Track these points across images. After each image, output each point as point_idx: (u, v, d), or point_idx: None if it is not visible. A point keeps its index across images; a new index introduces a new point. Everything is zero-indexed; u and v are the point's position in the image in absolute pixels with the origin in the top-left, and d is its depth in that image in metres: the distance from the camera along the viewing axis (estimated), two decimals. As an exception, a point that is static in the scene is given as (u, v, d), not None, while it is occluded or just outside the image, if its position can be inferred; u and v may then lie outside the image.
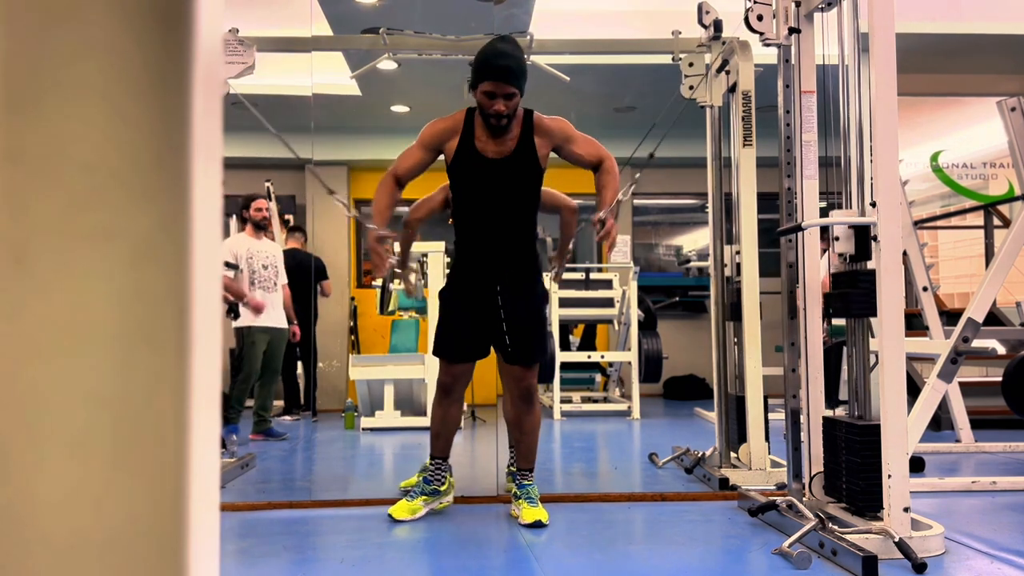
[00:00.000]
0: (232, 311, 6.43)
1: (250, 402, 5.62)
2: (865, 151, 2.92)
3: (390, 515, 3.20)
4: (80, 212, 0.43)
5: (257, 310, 5.31)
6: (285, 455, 5.05)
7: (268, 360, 5.49)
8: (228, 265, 5.33)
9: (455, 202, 3.25)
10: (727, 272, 4.08)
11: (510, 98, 3.01)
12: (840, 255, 2.96)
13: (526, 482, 3.24)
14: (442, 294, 3.33)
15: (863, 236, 2.88)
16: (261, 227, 5.45)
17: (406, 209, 3.76)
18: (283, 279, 5.60)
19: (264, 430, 5.51)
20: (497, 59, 2.99)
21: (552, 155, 3.21)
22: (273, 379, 5.55)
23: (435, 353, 3.27)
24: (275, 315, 5.45)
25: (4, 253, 0.42)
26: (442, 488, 3.32)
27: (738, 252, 3.91)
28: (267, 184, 6.63)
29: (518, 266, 3.19)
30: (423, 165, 3.18)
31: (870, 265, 2.83)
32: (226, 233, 6.96)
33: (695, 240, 9.15)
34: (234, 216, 7.18)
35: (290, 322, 5.73)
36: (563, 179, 3.85)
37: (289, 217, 7.82)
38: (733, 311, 4.00)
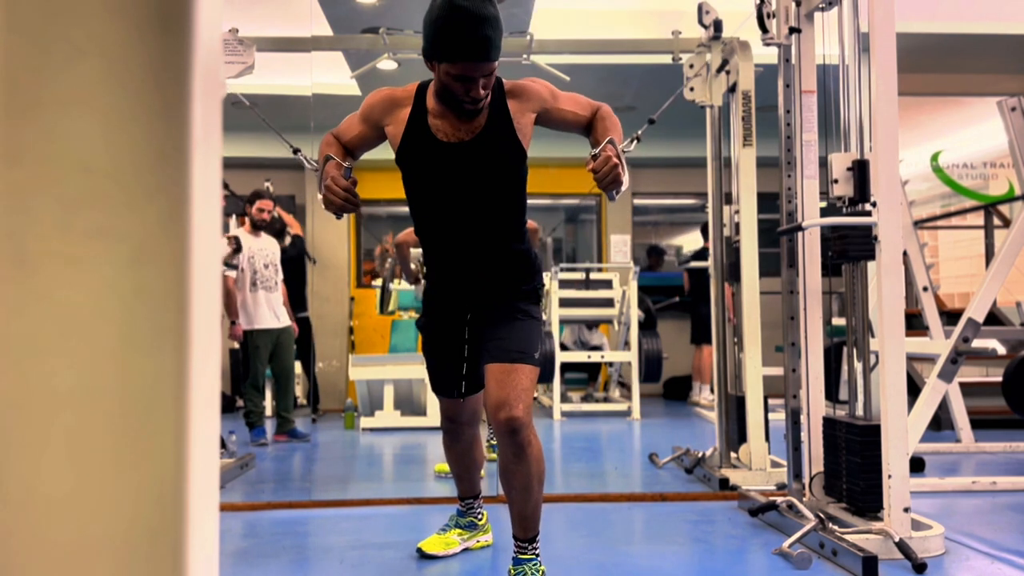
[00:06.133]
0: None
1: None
2: (865, 151, 2.92)
3: (420, 550, 2.73)
4: (80, 212, 0.43)
5: (234, 337, 5.31)
6: (285, 455, 5.05)
7: (278, 361, 5.49)
8: (228, 265, 5.32)
9: (409, 204, 2.41)
10: (726, 232, 4.08)
11: (490, 76, 2.15)
12: (839, 198, 2.95)
13: (523, 556, 2.37)
14: (417, 324, 2.65)
15: (862, 176, 2.87)
16: (259, 227, 5.43)
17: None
18: (280, 275, 5.59)
19: (288, 430, 5.51)
20: (472, 27, 2.04)
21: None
22: (289, 378, 5.55)
23: (431, 389, 2.66)
24: (277, 315, 5.44)
25: (5, 253, 0.42)
26: (480, 522, 2.86)
27: (737, 212, 3.91)
28: (267, 184, 6.63)
29: (500, 287, 2.38)
30: (363, 140, 2.39)
31: (868, 207, 2.82)
32: (225, 232, 6.96)
33: (696, 240, 9.15)
34: (234, 215, 7.18)
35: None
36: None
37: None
38: (732, 271, 4.00)
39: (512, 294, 2.38)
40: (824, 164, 3.10)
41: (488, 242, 2.35)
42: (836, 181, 2.90)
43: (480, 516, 2.87)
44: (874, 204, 2.72)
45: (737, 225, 3.91)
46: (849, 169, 2.90)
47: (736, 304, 4.01)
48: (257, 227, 5.42)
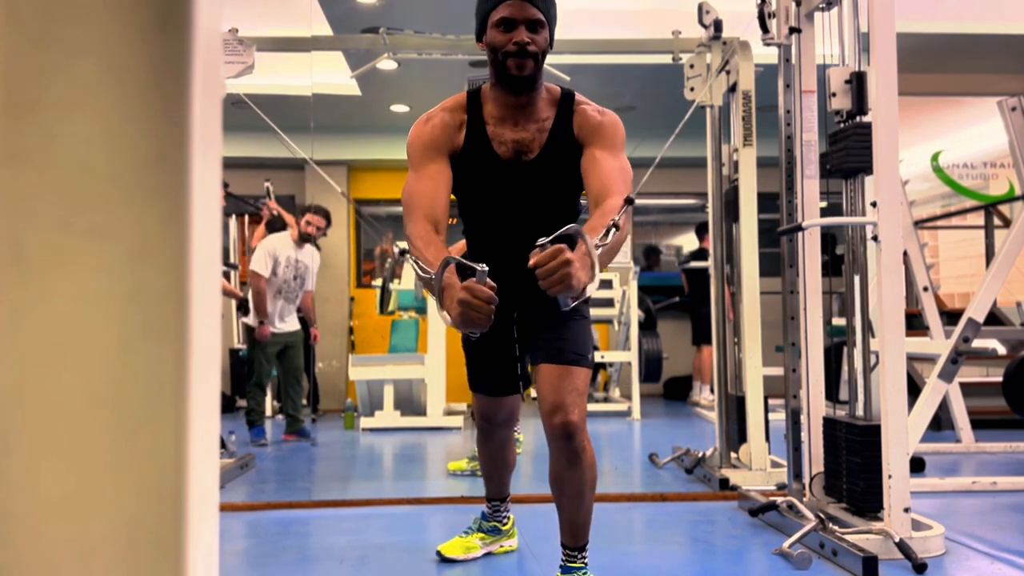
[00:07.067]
0: (242, 307, 6.46)
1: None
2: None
3: (439, 553, 2.67)
4: (80, 212, 0.43)
5: (262, 336, 5.34)
6: (285, 455, 5.05)
7: (287, 363, 5.54)
8: (228, 265, 5.33)
9: (460, 208, 2.32)
10: (725, 171, 4.08)
11: (536, 28, 2.05)
12: (837, 112, 2.96)
13: (572, 564, 2.27)
14: None
15: (860, 88, 2.89)
16: (304, 239, 5.46)
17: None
18: (310, 286, 5.64)
19: (296, 430, 5.56)
20: None
21: None
22: (298, 379, 5.58)
23: (469, 387, 2.52)
24: (287, 322, 5.49)
25: (4, 253, 0.42)
26: (504, 527, 2.79)
27: (736, 150, 3.91)
28: (266, 184, 6.63)
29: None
30: (447, 180, 2.10)
31: (866, 119, 2.83)
32: (225, 234, 6.97)
33: (695, 240, 9.14)
34: (233, 215, 7.18)
35: (311, 324, 5.74)
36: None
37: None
38: (730, 210, 4.00)
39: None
40: (824, 163, 3.10)
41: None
42: (834, 94, 2.91)
43: (505, 520, 2.80)
44: (874, 204, 2.72)
45: (736, 163, 3.91)
46: (847, 81, 2.91)
47: (735, 303, 4.02)
48: (303, 239, 5.45)
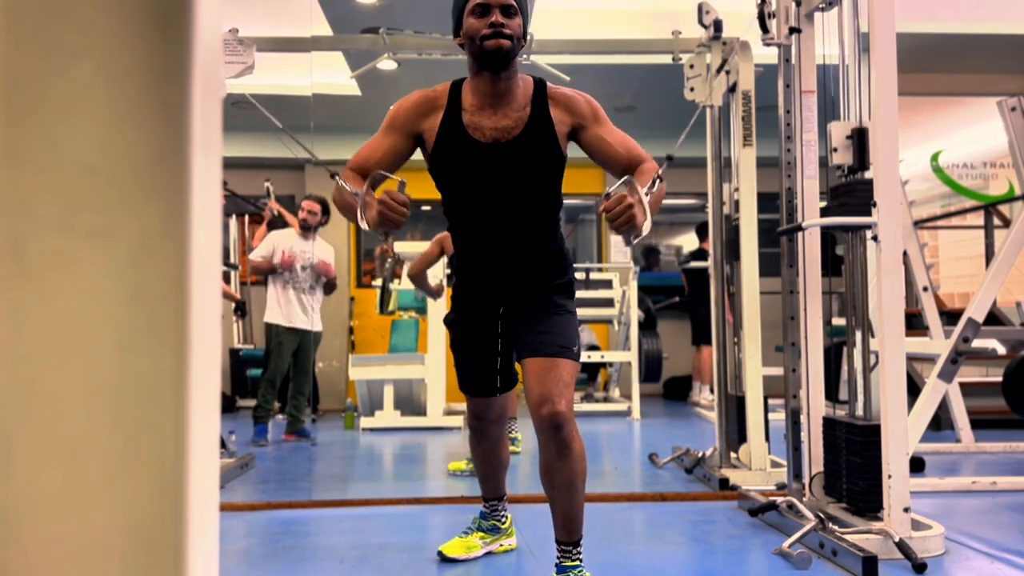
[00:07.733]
0: (239, 309, 6.46)
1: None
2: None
3: (441, 553, 2.67)
4: (80, 212, 0.43)
5: (284, 265, 5.35)
6: (284, 455, 5.05)
7: (298, 362, 5.53)
8: (228, 265, 5.33)
9: (444, 204, 2.36)
10: (726, 210, 4.08)
11: (510, 13, 2.14)
12: (838, 167, 2.96)
13: (568, 563, 2.28)
14: (445, 321, 2.52)
15: (862, 144, 2.89)
16: (307, 228, 5.46)
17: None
18: (330, 260, 5.63)
19: (296, 430, 5.56)
20: None
21: None
22: (305, 380, 5.59)
23: (459, 388, 2.54)
24: (307, 318, 5.48)
25: (4, 253, 0.42)
26: (503, 525, 2.80)
27: (736, 189, 3.91)
28: (267, 184, 6.63)
29: (535, 282, 2.31)
30: (395, 155, 2.24)
31: (868, 175, 2.84)
32: (225, 234, 6.97)
33: (695, 240, 9.14)
34: (233, 215, 7.18)
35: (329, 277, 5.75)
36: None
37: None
38: (731, 249, 4.00)
39: (548, 288, 2.31)
40: (824, 164, 3.10)
41: (523, 241, 2.28)
42: (835, 149, 2.92)
43: (504, 519, 2.81)
44: (874, 204, 2.72)
45: (736, 203, 3.92)
46: (848, 137, 2.91)
47: (734, 305, 4.02)
48: (304, 228, 5.46)
